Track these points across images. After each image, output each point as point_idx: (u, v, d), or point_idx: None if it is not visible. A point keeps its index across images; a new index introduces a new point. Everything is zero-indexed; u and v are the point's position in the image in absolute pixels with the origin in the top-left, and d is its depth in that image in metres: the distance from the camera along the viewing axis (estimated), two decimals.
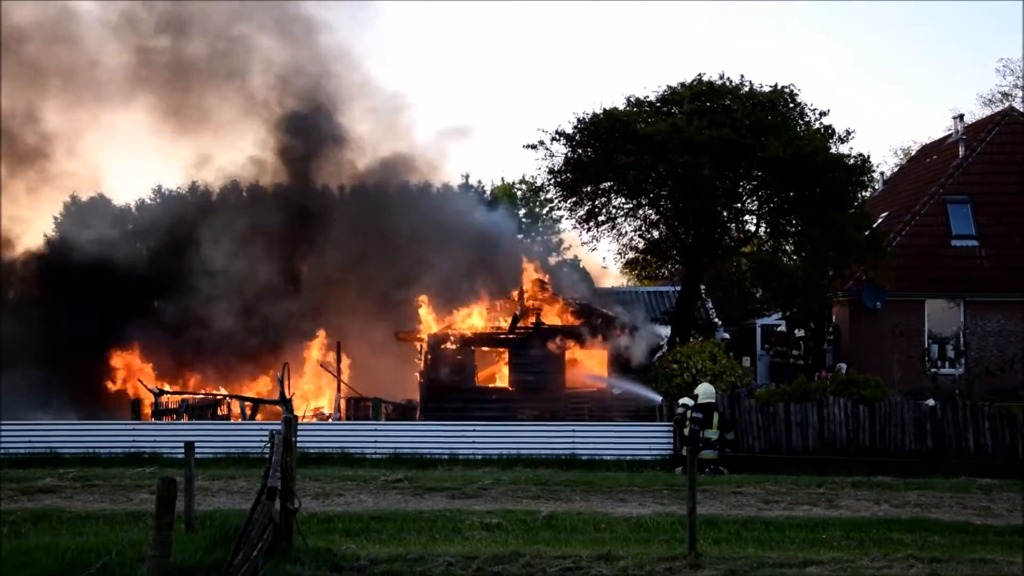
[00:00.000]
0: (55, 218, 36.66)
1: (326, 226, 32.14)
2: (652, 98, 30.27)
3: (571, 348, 27.48)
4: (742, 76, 30.17)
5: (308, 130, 34.07)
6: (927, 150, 43.49)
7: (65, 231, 34.86)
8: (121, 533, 12.73)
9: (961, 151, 35.89)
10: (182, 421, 26.73)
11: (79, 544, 12.01)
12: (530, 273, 28.88)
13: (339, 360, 28.50)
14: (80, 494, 18.41)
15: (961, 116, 39.26)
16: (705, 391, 23.06)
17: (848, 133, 29.68)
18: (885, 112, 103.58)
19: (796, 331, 32.25)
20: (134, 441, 23.98)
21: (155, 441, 23.94)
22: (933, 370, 30.33)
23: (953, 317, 32.59)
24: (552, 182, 30.90)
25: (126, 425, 25.14)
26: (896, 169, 50.44)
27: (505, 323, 28.08)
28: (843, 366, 29.08)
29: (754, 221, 31.39)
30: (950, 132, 39.87)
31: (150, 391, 27.95)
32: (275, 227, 32.41)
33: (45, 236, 34.99)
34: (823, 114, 30.07)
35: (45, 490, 18.70)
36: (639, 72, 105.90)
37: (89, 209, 36.68)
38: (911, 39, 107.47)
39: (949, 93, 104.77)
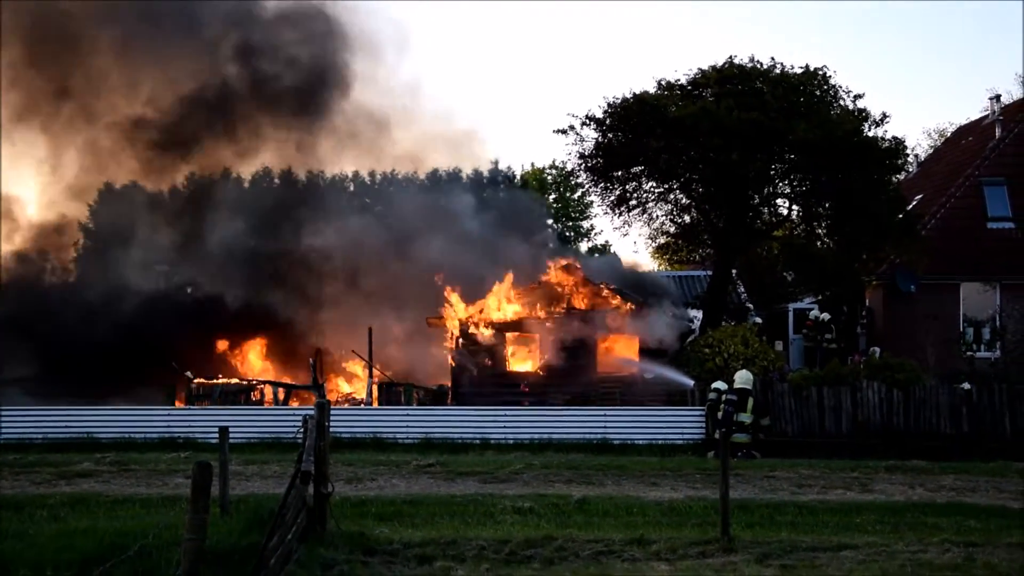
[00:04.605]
0: (89, 206, 36.91)
1: (360, 211, 32.24)
2: (683, 82, 30.07)
3: (602, 332, 27.43)
4: (772, 59, 30.06)
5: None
6: (963, 131, 42.91)
7: (101, 218, 35.21)
8: (157, 517, 12.85)
9: (997, 132, 35.39)
10: (216, 406, 26.93)
11: (117, 528, 12.13)
12: (561, 257, 28.83)
13: (370, 346, 28.57)
14: (117, 478, 18.65)
15: (998, 96, 38.74)
16: (742, 377, 23.03)
17: (883, 117, 29.32)
18: (921, 93, 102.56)
19: (822, 315, 31.88)
20: (169, 426, 24.29)
21: (189, 426, 24.23)
22: (969, 354, 29.99)
23: (989, 300, 32.18)
24: (582, 167, 30.78)
25: (161, 410, 25.38)
26: (931, 151, 49.82)
27: (536, 308, 28.05)
28: (876, 350, 28.83)
29: (786, 205, 31.16)
30: (987, 113, 39.32)
31: (186, 376, 28.17)
32: (305, 213, 32.57)
33: (80, 224, 35.32)
34: (858, 97, 29.74)
35: (83, 474, 18.97)
36: (670, 56, 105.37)
37: (123, 196, 36.94)
38: (949, 18, 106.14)
39: (988, 73, 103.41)
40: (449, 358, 28.33)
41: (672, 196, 31.59)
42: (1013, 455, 21.83)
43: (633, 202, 31.32)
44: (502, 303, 28.08)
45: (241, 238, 32.22)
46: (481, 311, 27.86)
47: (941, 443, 23.06)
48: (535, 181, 58.35)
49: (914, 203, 34.63)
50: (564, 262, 28.77)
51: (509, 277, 28.16)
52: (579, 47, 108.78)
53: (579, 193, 55.69)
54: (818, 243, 30.88)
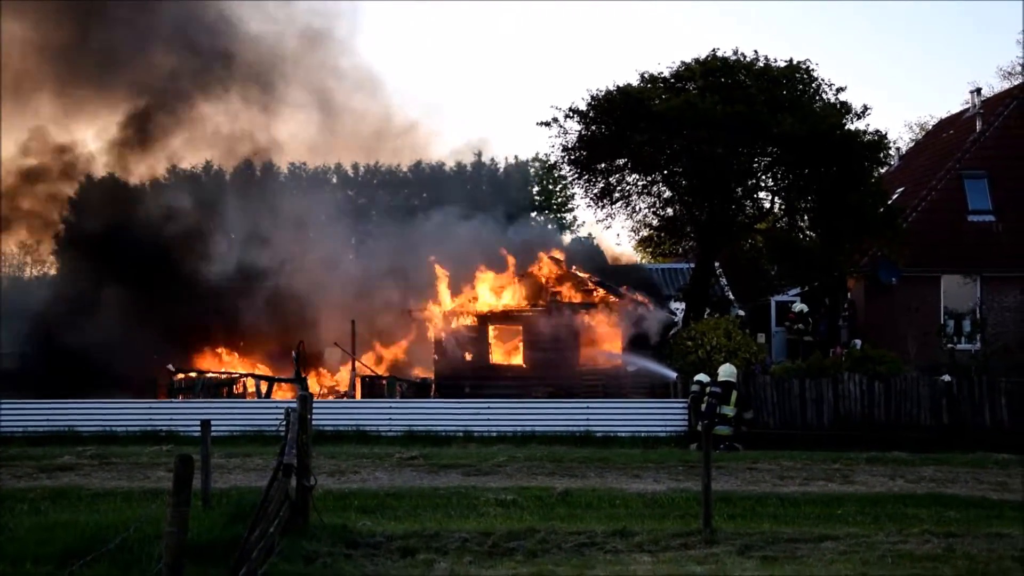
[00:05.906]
0: (71, 198, 36.66)
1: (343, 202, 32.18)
2: (666, 74, 30.06)
3: (585, 325, 27.45)
4: (756, 52, 29.95)
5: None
6: (944, 124, 43.09)
7: (81, 210, 34.96)
8: (139, 510, 12.81)
9: (978, 125, 35.54)
10: (198, 399, 26.83)
11: (98, 521, 12.09)
12: (545, 250, 28.82)
13: (353, 338, 28.52)
14: (98, 472, 18.56)
15: (979, 90, 38.86)
16: (726, 370, 23.05)
17: (865, 109, 29.38)
18: (902, 87, 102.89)
19: (797, 306, 31.95)
20: (151, 419, 24.17)
21: (171, 419, 24.12)
22: (950, 346, 30.16)
23: (969, 293, 32.34)
24: (566, 159, 30.76)
25: (143, 404, 25.26)
26: (912, 144, 50.00)
27: (520, 300, 28.06)
28: (858, 342, 28.95)
29: (769, 198, 31.23)
30: (968, 106, 39.47)
31: (168, 369, 28.07)
32: (288, 205, 32.50)
33: (61, 216, 35.10)
34: (840, 90, 29.77)
35: (64, 468, 18.87)
36: (653, 49, 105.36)
37: (103, 188, 36.70)
38: (930, 12, 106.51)
39: (971, 66, 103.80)
40: (432, 350, 28.30)
41: (655, 189, 31.65)
42: (993, 446, 21.97)
43: (616, 195, 31.35)
44: (486, 295, 28.06)
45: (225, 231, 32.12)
46: (464, 303, 27.83)
47: (921, 435, 23.19)
48: (519, 174, 58.30)
49: (896, 196, 34.77)
50: (549, 254, 28.75)
51: (492, 269, 28.13)
52: (563, 40, 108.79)
53: (562, 186, 55.70)
54: (801, 236, 30.98)
